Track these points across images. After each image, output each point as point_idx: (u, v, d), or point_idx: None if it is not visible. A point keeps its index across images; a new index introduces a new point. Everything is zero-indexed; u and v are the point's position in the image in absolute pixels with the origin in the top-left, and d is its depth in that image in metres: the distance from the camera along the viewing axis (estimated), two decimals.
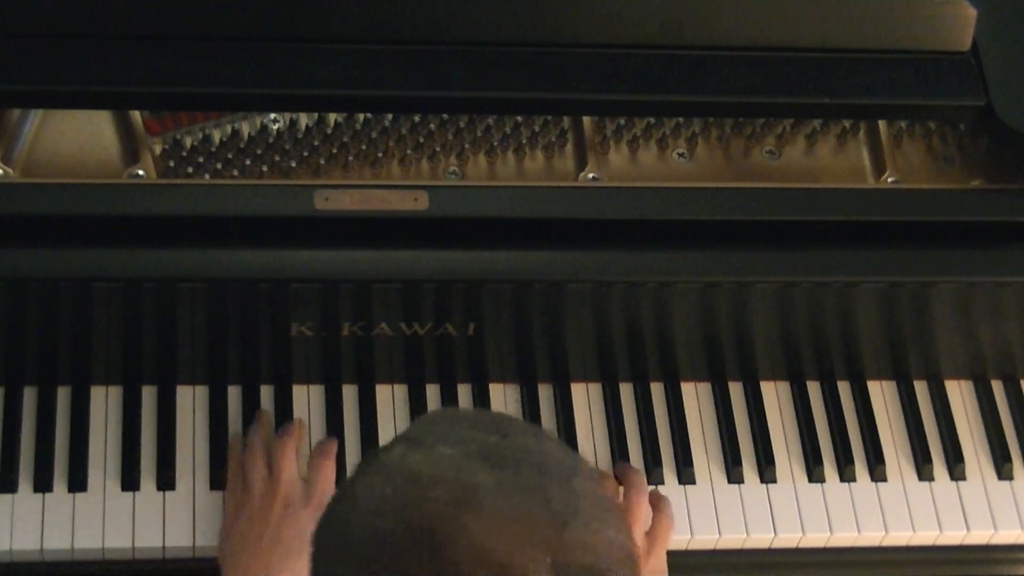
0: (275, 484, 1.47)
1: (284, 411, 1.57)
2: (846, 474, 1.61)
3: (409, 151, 1.56)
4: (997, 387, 1.69)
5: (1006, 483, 1.64)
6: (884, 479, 1.62)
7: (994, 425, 1.66)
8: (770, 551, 1.59)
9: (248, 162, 1.53)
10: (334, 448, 1.53)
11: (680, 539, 1.56)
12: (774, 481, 1.60)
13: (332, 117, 1.56)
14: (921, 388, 1.68)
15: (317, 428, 1.57)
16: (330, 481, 1.49)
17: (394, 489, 0.99)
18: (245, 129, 1.55)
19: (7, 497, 1.49)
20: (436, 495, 0.97)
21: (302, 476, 1.50)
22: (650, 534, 1.50)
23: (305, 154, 1.54)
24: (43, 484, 1.50)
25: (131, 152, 1.51)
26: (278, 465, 1.48)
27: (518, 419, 1.09)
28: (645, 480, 1.56)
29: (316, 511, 1.41)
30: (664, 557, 1.51)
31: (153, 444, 1.54)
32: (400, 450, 1.02)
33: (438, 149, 1.57)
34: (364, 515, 0.99)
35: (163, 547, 1.50)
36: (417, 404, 1.58)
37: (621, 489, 1.54)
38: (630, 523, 1.46)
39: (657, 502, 1.54)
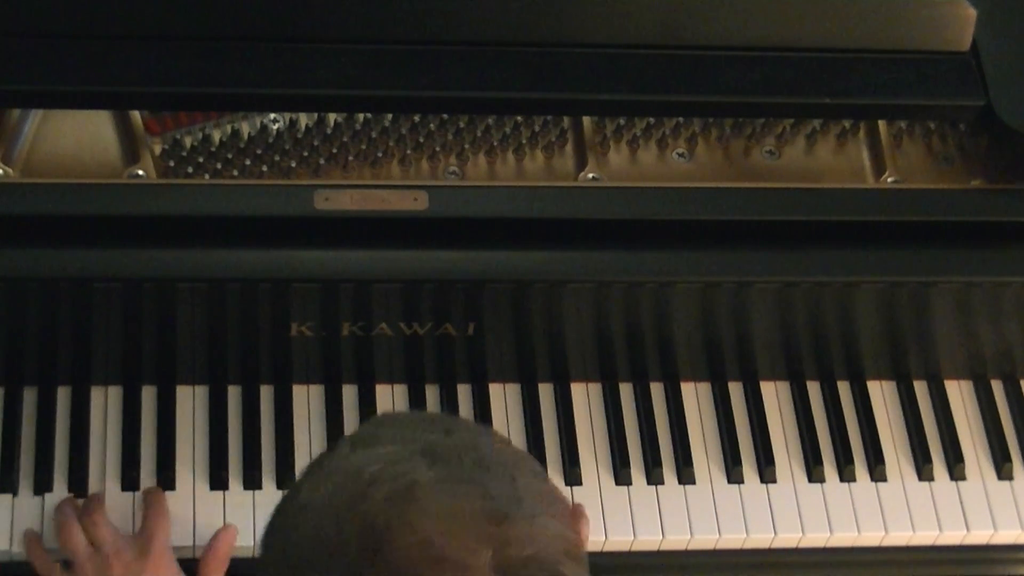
0: (104, 555, 1.43)
1: (284, 411, 1.57)
2: (846, 474, 1.61)
3: (409, 151, 1.56)
4: (997, 387, 1.69)
5: (1006, 483, 1.64)
6: (884, 479, 1.62)
7: (994, 425, 1.66)
8: (770, 551, 1.59)
9: (248, 162, 1.53)
10: (163, 499, 1.49)
11: (680, 539, 1.56)
12: (774, 481, 1.60)
13: (332, 117, 1.56)
14: (921, 388, 1.68)
15: (317, 428, 1.57)
16: (166, 531, 1.46)
17: (335, 488, 1.00)
18: (245, 129, 1.55)
19: (7, 497, 1.49)
20: (376, 492, 0.97)
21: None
22: None
23: (305, 154, 1.54)
24: (43, 484, 1.50)
25: (131, 152, 1.51)
26: (98, 535, 1.44)
27: (467, 420, 1.08)
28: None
29: (158, 559, 1.42)
30: None
31: (153, 444, 1.54)
32: (343, 450, 1.04)
33: (438, 149, 1.57)
34: (307, 517, 1.00)
35: None
36: (417, 404, 1.58)
37: None
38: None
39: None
